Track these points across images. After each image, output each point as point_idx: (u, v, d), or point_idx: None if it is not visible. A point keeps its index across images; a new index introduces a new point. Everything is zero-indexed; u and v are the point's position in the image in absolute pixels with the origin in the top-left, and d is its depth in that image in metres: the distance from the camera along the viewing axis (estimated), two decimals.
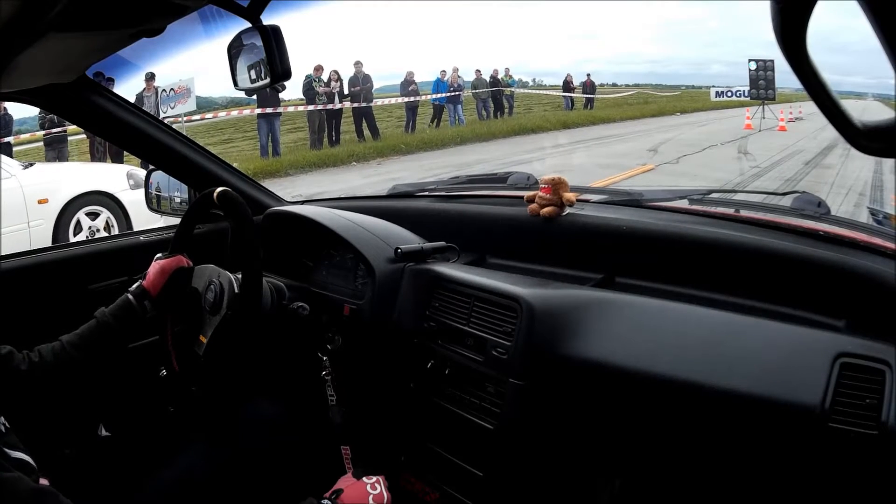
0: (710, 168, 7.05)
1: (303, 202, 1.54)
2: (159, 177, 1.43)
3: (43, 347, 0.92)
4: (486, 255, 1.30)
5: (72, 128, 7.43)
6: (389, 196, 1.58)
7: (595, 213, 1.19)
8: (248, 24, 0.76)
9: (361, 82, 9.94)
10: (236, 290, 1.01)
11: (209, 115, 10.38)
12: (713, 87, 14.50)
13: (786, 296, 0.93)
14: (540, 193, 1.19)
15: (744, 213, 1.12)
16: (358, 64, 10.00)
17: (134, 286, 1.01)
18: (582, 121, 13.27)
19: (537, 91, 17.18)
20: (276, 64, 0.76)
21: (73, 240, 4.03)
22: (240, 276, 1.02)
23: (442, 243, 1.21)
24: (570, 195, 1.17)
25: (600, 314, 0.95)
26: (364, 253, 1.16)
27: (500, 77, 13.17)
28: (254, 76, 0.80)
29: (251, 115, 9.29)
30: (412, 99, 11.07)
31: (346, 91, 9.73)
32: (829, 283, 0.90)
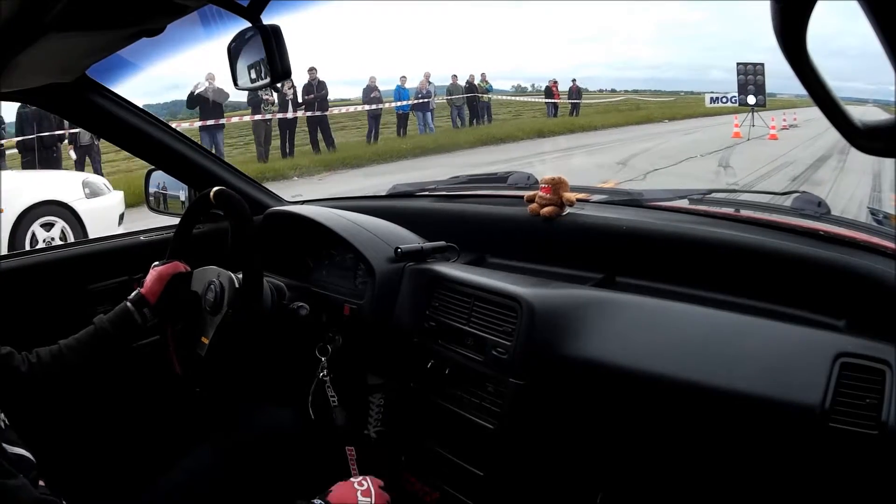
0: (680, 186, 6.35)
1: (303, 202, 1.54)
2: (159, 177, 1.43)
3: (41, 350, 0.92)
4: (486, 254, 1.30)
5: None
6: (389, 196, 1.58)
7: (595, 212, 1.19)
8: (248, 24, 0.76)
9: (316, 89, 9.33)
10: (237, 288, 1.01)
11: None
12: (708, 92, 13.17)
13: (786, 296, 0.93)
14: (540, 193, 1.19)
15: (744, 212, 1.12)
16: (312, 70, 9.40)
17: (132, 294, 1.01)
18: (559, 129, 12.63)
19: (518, 97, 16.67)
20: (276, 64, 0.76)
21: None
22: (240, 275, 1.02)
23: (442, 243, 1.21)
24: (570, 195, 1.17)
25: (600, 314, 0.95)
26: (364, 253, 1.16)
27: (476, 83, 12.75)
28: (254, 76, 0.80)
29: (191, 128, 8.34)
30: (374, 107, 10.52)
31: (300, 99, 9.25)
32: (829, 283, 0.90)
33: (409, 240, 1.23)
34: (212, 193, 1.03)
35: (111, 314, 0.98)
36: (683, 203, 1.18)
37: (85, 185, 4.44)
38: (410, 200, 1.50)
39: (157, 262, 1.06)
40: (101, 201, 4.48)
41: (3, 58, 0.78)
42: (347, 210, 1.32)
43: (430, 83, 11.62)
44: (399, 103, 11.14)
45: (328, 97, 9.75)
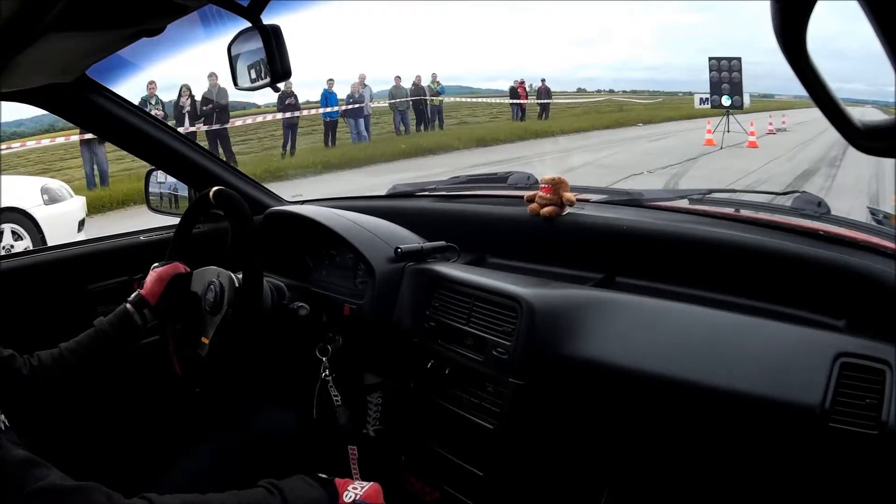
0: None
1: (303, 202, 1.54)
2: (159, 176, 1.43)
3: (42, 353, 0.92)
4: (486, 254, 1.30)
5: None
6: (389, 196, 1.58)
7: (595, 212, 1.19)
8: (248, 24, 0.76)
9: (216, 98, 8.32)
10: (237, 287, 1.01)
11: (16, 145, 8.08)
12: (698, 93, 11.71)
13: (786, 296, 0.93)
14: (540, 193, 1.19)
15: (744, 212, 1.12)
16: (212, 76, 8.35)
17: (132, 296, 1.01)
18: (507, 136, 11.14)
19: (474, 98, 15.54)
20: (276, 64, 0.76)
21: None
22: (240, 275, 1.02)
23: (442, 243, 1.21)
24: (570, 195, 1.18)
25: (600, 314, 0.95)
26: (364, 253, 1.16)
27: (425, 84, 11.64)
28: (254, 76, 0.80)
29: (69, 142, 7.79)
30: (289, 115, 9.43)
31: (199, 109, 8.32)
32: (829, 283, 0.90)
33: (409, 240, 1.23)
34: (211, 193, 1.03)
35: (111, 316, 0.98)
36: (683, 203, 1.18)
37: (44, 191, 4.40)
38: (410, 200, 1.50)
39: (156, 264, 1.06)
40: (60, 207, 4.43)
41: (3, 58, 0.78)
42: (347, 210, 1.32)
43: (364, 86, 10.49)
44: (325, 110, 10.07)
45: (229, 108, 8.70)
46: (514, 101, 13.54)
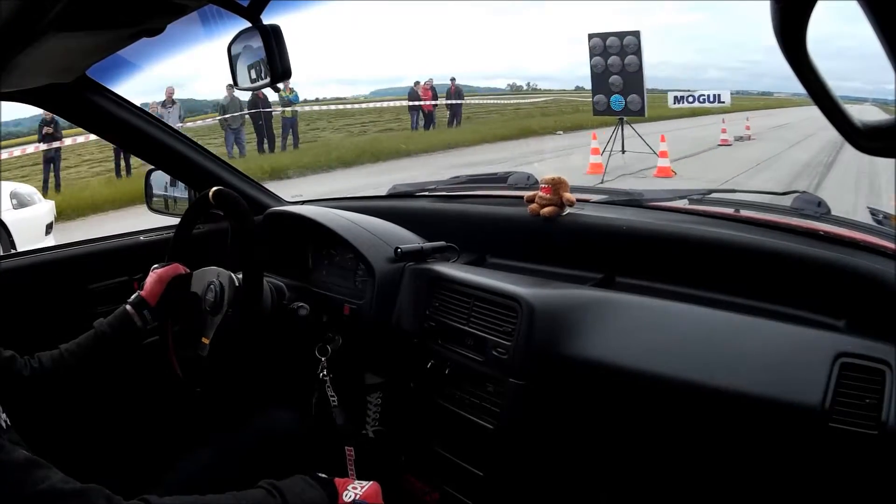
0: None
1: (303, 202, 1.54)
2: (159, 177, 1.43)
3: (43, 355, 0.92)
4: (486, 255, 1.30)
5: None
6: (389, 196, 1.58)
7: (595, 212, 1.19)
8: (248, 24, 0.76)
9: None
10: (237, 286, 1.01)
11: (17, 152, 7.46)
12: (671, 91, 8.70)
13: (786, 296, 0.93)
14: (540, 193, 1.19)
15: (744, 212, 1.12)
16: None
17: (132, 297, 1.01)
18: (370, 156, 8.85)
19: (337, 105, 12.73)
20: (276, 64, 0.76)
21: None
22: (240, 275, 1.02)
23: (442, 243, 1.21)
24: (570, 195, 1.18)
25: (600, 314, 0.95)
26: (364, 253, 1.16)
27: (279, 93, 9.23)
28: (254, 76, 0.80)
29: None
30: (45, 147, 7.42)
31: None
32: (829, 283, 0.90)
33: (409, 240, 1.23)
34: (210, 194, 1.03)
35: (111, 317, 0.98)
36: (683, 203, 1.18)
37: (13, 195, 4.40)
38: (410, 200, 1.50)
39: (156, 265, 1.06)
40: (28, 211, 4.46)
41: (3, 58, 0.78)
42: (347, 210, 1.32)
43: (173, 103, 8.24)
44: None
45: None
46: (413, 104, 11.08)
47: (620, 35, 6.39)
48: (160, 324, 1.04)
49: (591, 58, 6.56)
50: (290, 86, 9.33)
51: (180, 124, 8.26)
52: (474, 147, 10.01)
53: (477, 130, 11.46)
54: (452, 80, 11.72)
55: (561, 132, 11.23)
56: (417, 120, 11.41)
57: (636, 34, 6.37)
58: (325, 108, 12.66)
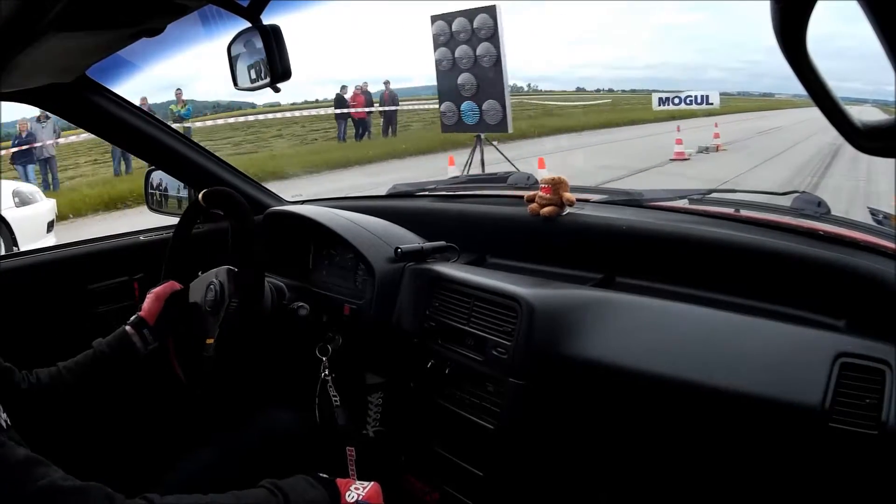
0: None
1: (303, 202, 1.54)
2: (159, 176, 1.43)
3: (41, 372, 0.91)
4: (486, 254, 1.30)
5: None
6: (389, 196, 1.58)
7: (595, 212, 1.19)
8: (248, 24, 0.76)
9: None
10: (236, 273, 1.00)
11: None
12: (656, 92, 7.98)
13: (786, 296, 0.93)
14: (540, 193, 1.19)
15: (744, 212, 1.12)
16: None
17: (132, 318, 1.00)
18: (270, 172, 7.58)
19: (247, 117, 11.10)
20: (276, 64, 0.76)
21: None
22: (236, 269, 1.02)
23: (442, 243, 1.21)
24: (570, 195, 1.18)
25: (600, 314, 0.95)
26: (364, 253, 1.16)
27: (155, 103, 8.24)
28: (254, 76, 0.80)
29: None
30: None
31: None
32: (829, 283, 0.90)
33: (409, 240, 1.23)
34: (200, 196, 1.03)
35: (110, 337, 0.97)
36: (683, 203, 1.18)
37: (15, 194, 4.49)
38: (410, 200, 1.50)
39: (151, 290, 1.05)
40: (30, 209, 4.55)
41: (3, 58, 0.78)
42: (347, 210, 1.32)
43: (46, 118, 7.36)
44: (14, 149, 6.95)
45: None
46: (340, 112, 9.64)
47: (470, 14, 4.34)
48: (161, 343, 1.03)
49: (434, 49, 4.62)
50: (184, 98, 8.62)
51: (54, 140, 7.78)
52: (395, 161, 8.76)
53: (409, 139, 10.33)
54: (386, 83, 10.49)
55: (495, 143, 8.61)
56: (344, 130, 10.12)
57: (491, 10, 4.29)
58: (233, 119, 10.69)
